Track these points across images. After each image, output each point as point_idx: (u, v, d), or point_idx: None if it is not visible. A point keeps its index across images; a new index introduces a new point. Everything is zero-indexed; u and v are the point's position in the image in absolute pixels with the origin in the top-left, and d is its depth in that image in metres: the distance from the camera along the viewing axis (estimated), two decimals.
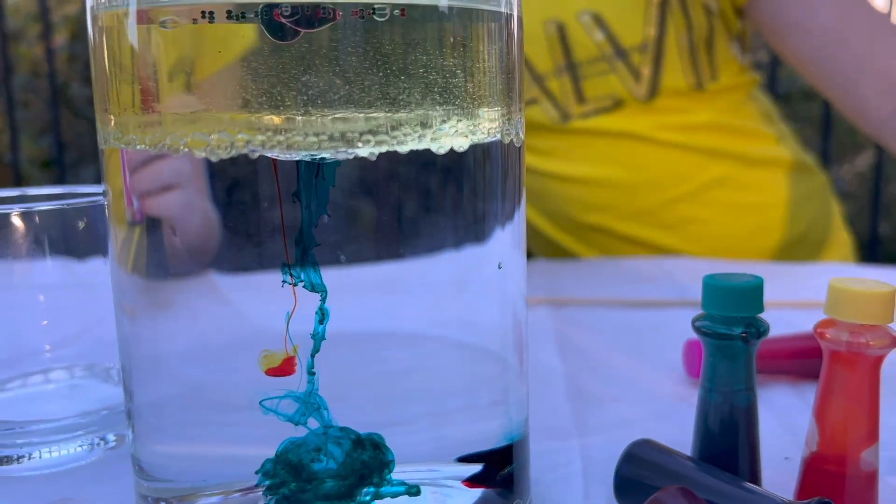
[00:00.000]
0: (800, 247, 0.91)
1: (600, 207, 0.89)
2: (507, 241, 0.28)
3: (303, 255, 0.24)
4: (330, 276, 0.24)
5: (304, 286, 0.24)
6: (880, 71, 0.77)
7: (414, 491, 0.26)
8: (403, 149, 0.24)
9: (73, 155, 2.55)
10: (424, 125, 0.24)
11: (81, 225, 0.37)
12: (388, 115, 0.24)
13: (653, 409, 0.43)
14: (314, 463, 0.26)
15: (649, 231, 0.89)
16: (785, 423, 0.40)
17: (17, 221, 0.36)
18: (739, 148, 0.89)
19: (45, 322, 0.39)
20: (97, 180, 0.32)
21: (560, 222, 0.91)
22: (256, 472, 0.26)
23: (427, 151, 0.25)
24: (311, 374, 0.25)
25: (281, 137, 0.23)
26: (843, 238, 0.97)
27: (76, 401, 0.39)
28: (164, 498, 0.28)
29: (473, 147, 0.26)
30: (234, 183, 0.24)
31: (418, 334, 0.26)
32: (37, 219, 0.36)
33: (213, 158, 0.23)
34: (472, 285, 0.27)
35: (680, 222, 0.88)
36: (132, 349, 0.27)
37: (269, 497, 0.26)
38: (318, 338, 0.25)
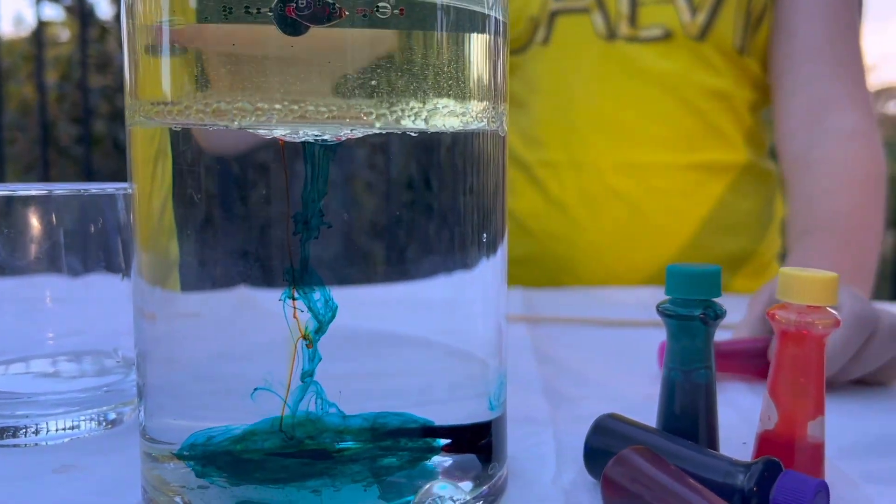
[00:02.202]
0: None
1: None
2: (491, 267, 0.32)
3: (303, 268, 0.28)
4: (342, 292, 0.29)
5: (310, 305, 0.28)
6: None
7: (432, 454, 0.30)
8: (403, 125, 0.27)
9: None
10: (420, 105, 0.27)
11: (98, 219, 0.40)
12: (389, 98, 0.27)
13: (622, 406, 0.46)
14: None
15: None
16: (743, 417, 0.43)
17: (37, 208, 0.39)
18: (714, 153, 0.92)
19: (53, 313, 0.41)
20: None
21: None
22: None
23: (422, 143, 0.28)
24: (308, 376, 0.29)
25: (295, 107, 0.26)
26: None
27: (78, 380, 0.42)
28: (163, 455, 0.31)
29: (464, 136, 0.29)
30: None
31: (414, 340, 0.31)
32: (55, 206, 0.39)
33: (235, 125, 0.26)
34: (460, 303, 0.31)
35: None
36: (148, 344, 0.31)
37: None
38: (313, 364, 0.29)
